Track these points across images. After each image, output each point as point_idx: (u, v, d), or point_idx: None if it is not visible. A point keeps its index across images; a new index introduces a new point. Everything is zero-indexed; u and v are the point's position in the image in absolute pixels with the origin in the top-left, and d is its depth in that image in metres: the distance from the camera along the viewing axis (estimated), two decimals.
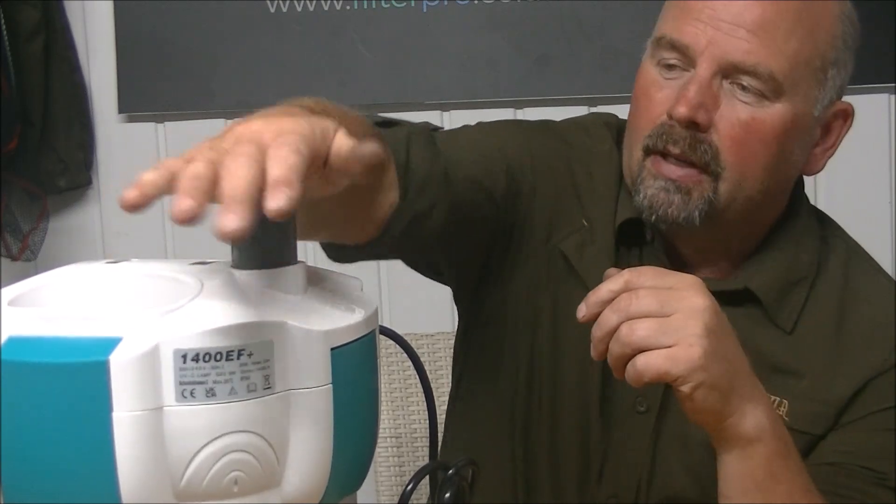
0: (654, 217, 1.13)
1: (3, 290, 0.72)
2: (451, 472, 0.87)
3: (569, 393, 1.20)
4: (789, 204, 1.22)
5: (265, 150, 0.67)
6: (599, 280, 1.16)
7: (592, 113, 1.33)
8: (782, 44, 1.11)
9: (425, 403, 0.95)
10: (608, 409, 1.19)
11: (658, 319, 0.96)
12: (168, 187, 0.66)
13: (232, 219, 0.63)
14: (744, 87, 1.11)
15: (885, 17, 2.06)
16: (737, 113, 1.12)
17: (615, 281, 0.99)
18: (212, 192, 0.65)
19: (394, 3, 2.18)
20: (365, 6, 2.19)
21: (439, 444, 1.21)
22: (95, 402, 0.63)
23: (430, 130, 1.19)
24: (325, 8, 2.20)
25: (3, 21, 2.18)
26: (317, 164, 0.72)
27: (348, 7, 2.19)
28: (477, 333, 1.28)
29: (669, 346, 0.95)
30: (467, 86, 2.19)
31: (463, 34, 2.17)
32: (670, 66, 1.14)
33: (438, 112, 2.21)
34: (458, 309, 1.31)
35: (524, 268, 1.23)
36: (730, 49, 1.11)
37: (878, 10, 2.07)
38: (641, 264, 1.19)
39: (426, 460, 1.24)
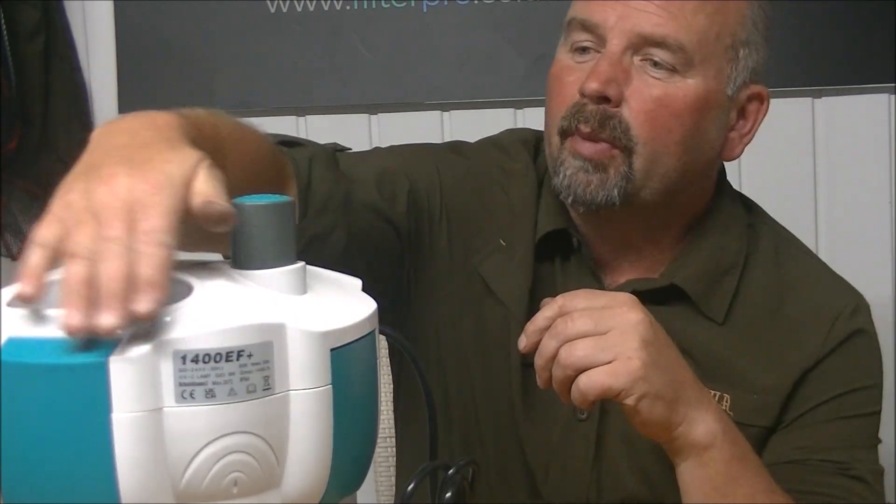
0: (571, 198, 1.14)
1: (3, 290, 0.72)
2: (451, 471, 0.87)
3: (501, 409, 1.21)
4: (713, 193, 1.23)
5: (132, 236, 0.67)
6: (518, 299, 1.18)
7: (508, 129, 1.34)
8: (690, 17, 1.13)
9: (426, 403, 0.95)
10: (547, 420, 1.19)
11: (595, 338, 0.97)
12: (53, 260, 0.68)
13: (107, 317, 0.64)
14: (655, 63, 1.13)
15: (885, 17, 2.06)
16: (648, 88, 1.13)
17: (549, 308, 1.01)
18: (92, 294, 0.65)
19: (394, 3, 2.18)
20: (365, 6, 2.18)
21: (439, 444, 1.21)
22: (95, 404, 0.63)
23: (336, 151, 1.20)
24: (325, 8, 2.19)
25: (3, 21, 2.17)
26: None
27: (348, 7, 2.19)
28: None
29: (609, 363, 0.97)
30: (467, 86, 2.19)
31: (463, 34, 2.17)
32: (583, 49, 1.16)
33: (438, 112, 2.21)
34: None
35: (444, 291, 1.23)
36: (639, 21, 1.12)
37: (878, 10, 2.06)
38: (568, 273, 1.20)
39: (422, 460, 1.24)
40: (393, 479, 1.67)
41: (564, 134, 1.15)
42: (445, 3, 2.17)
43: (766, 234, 1.24)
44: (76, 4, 2.29)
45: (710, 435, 1.00)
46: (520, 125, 2.19)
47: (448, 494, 0.86)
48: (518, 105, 2.19)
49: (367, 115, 2.21)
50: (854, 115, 2.10)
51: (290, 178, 1.10)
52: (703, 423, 1.00)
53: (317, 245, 1.11)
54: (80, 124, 2.29)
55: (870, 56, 2.07)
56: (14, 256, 2.31)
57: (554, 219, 1.21)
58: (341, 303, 0.75)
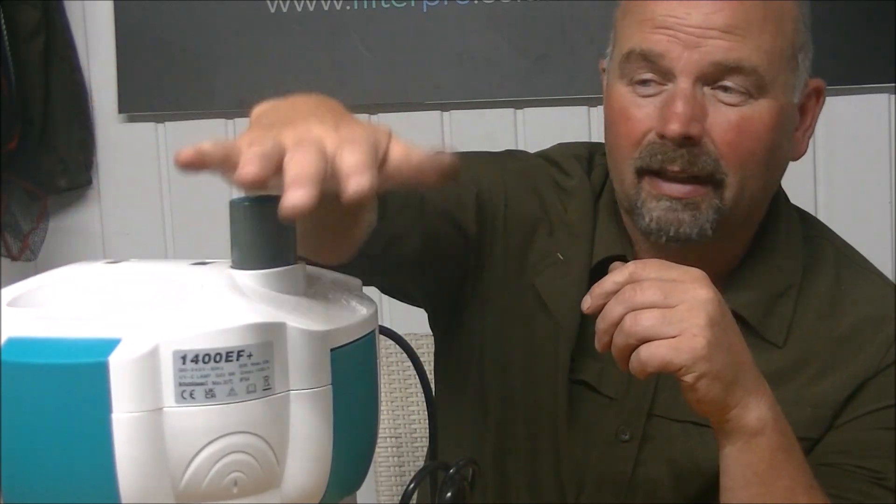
0: (664, 238, 1.12)
1: (3, 290, 0.72)
2: (451, 471, 0.87)
3: (543, 424, 1.20)
4: (769, 205, 1.21)
5: (329, 153, 0.71)
6: (569, 314, 1.17)
7: (558, 144, 1.31)
8: (758, 39, 1.10)
9: (425, 403, 0.95)
10: (588, 439, 1.18)
11: (662, 310, 0.96)
12: (220, 163, 0.70)
13: (298, 194, 0.67)
14: (726, 89, 1.10)
15: (885, 17, 2.06)
16: (726, 116, 1.10)
17: (620, 273, 0.99)
18: (275, 168, 0.69)
19: (394, 3, 2.18)
20: (365, 6, 2.18)
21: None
22: (95, 403, 0.63)
23: None
24: (325, 8, 2.20)
25: (3, 21, 2.17)
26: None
27: (348, 7, 2.19)
28: (451, 360, 1.29)
29: (673, 337, 0.95)
30: (467, 86, 2.19)
31: (463, 34, 2.17)
32: (644, 82, 1.12)
33: (438, 112, 2.21)
34: (433, 333, 1.31)
35: (497, 300, 1.23)
36: (709, 50, 1.09)
37: (878, 10, 2.06)
38: None
39: (426, 460, 1.24)
40: (393, 479, 1.67)
41: (641, 172, 1.12)
42: (445, 3, 2.17)
43: (826, 249, 1.22)
44: (76, 4, 2.29)
45: (761, 422, 1.00)
46: (520, 125, 2.19)
47: (448, 494, 0.86)
48: (518, 105, 2.19)
49: (367, 115, 2.22)
50: (854, 115, 2.10)
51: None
52: (756, 409, 0.99)
53: (395, 245, 1.10)
54: (80, 124, 2.29)
55: (870, 56, 2.08)
56: (14, 256, 2.31)
57: (612, 244, 1.20)
58: (341, 303, 0.75)
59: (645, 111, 1.12)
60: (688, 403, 0.99)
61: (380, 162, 0.74)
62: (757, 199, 1.15)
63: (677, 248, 1.14)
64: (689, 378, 0.96)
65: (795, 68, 1.14)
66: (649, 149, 1.11)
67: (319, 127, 0.73)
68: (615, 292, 0.98)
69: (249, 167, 0.68)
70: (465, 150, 1.28)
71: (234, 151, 0.70)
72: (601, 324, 0.99)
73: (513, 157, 1.30)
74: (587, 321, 1.18)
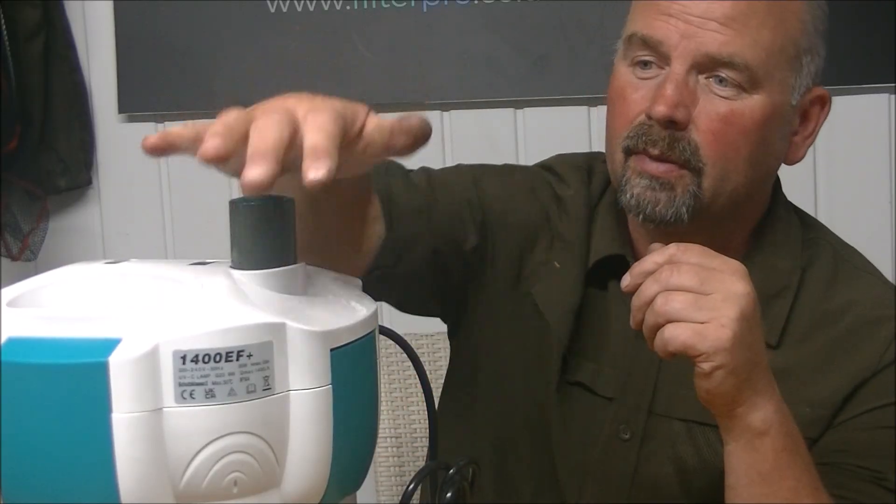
0: (641, 216, 1.13)
1: (3, 290, 0.72)
2: (451, 471, 0.87)
3: (536, 425, 1.21)
4: (769, 206, 1.21)
5: (297, 119, 0.72)
6: (562, 319, 1.19)
7: (558, 155, 1.33)
8: (755, 34, 1.11)
9: (425, 403, 0.95)
10: (586, 440, 1.19)
11: (695, 295, 0.96)
12: (191, 144, 0.71)
13: (256, 171, 0.68)
14: (721, 80, 1.11)
15: (885, 17, 2.06)
16: (715, 107, 1.11)
17: (660, 253, 1.00)
18: (240, 140, 0.70)
19: (394, 3, 2.18)
20: (365, 6, 2.18)
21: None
22: (95, 403, 0.63)
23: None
24: (325, 8, 2.20)
25: (3, 21, 2.17)
26: (347, 142, 0.75)
27: (348, 7, 2.19)
28: (455, 367, 1.31)
29: (701, 323, 0.96)
30: (467, 86, 2.19)
31: (463, 34, 2.17)
32: (645, 64, 1.14)
33: (438, 112, 2.21)
34: (449, 342, 1.33)
35: (495, 308, 1.24)
36: (705, 41, 1.10)
37: (878, 10, 2.06)
38: (619, 295, 1.19)
39: (426, 460, 1.24)
40: (393, 479, 1.67)
41: (629, 152, 1.14)
42: (445, 3, 2.17)
43: (826, 252, 1.22)
44: (76, 4, 2.29)
45: (766, 423, 1.00)
46: (520, 125, 2.19)
47: (448, 494, 0.86)
48: (518, 105, 2.19)
49: None
50: (854, 115, 2.10)
51: (372, 191, 1.11)
52: (762, 409, 0.99)
53: (407, 253, 1.13)
54: (80, 124, 2.29)
55: (870, 56, 2.08)
56: (14, 256, 2.31)
57: (610, 244, 1.21)
58: (341, 303, 0.75)
59: (640, 93, 1.14)
60: (697, 392, 0.99)
61: (355, 134, 0.75)
62: (740, 194, 1.15)
63: (670, 233, 1.14)
64: (706, 366, 0.96)
65: (797, 69, 1.15)
66: (637, 129, 1.13)
67: (293, 99, 0.75)
68: (654, 272, 0.99)
69: (212, 141, 0.69)
70: (469, 164, 1.30)
71: (204, 129, 0.71)
72: (636, 301, 0.99)
73: (514, 168, 1.31)
74: (581, 326, 1.20)
